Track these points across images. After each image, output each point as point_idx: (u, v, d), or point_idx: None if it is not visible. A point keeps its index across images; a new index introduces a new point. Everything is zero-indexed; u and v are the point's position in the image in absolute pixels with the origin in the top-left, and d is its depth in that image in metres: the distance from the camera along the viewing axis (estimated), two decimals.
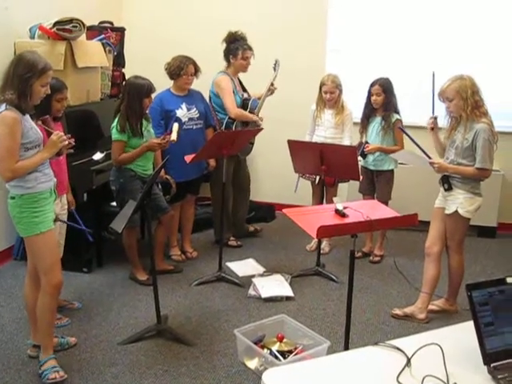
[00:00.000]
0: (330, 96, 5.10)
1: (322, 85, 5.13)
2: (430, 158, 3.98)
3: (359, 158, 4.90)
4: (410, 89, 5.84)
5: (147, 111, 4.51)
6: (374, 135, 5.10)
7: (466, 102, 3.72)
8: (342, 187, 5.67)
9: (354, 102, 5.39)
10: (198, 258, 5.32)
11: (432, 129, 4.06)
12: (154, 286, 3.82)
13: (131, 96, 4.31)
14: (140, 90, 4.30)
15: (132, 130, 4.34)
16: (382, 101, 5.00)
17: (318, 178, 5.17)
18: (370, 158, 5.13)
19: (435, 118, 4.03)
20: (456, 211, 3.90)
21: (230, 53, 5.24)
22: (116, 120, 4.36)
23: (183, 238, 5.41)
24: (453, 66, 5.35)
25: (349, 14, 6.20)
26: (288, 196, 5.88)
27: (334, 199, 3.29)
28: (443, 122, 4.03)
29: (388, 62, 6.06)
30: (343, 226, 2.89)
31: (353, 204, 3.16)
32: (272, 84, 5.35)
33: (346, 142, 5.13)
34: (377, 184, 5.23)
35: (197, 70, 4.94)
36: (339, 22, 6.21)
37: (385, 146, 5.05)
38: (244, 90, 5.48)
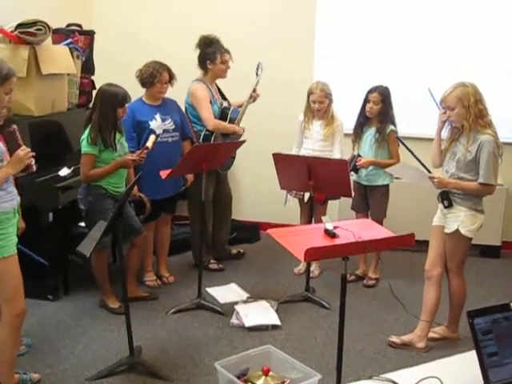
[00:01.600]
0: (318, 106, 5.08)
1: (309, 93, 5.11)
2: (429, 171, 4.00)
3: (351, 172, 4.89)
4: (405, 97, 5.83)
5: (120, 122, 4.47)
6: (367, 148, 5.09)
7: (468, 110, 3.73)
8: (333, 204, 5.65)
9: (345, 112, 5.37)
10: (175, 283, 5.26)
11: (444, 122, 3.95)
12: (127, 315, 3.76)
13: (104, 105, 4.27)
14: (114, 98, 4.27)
15: (104, 143, 4.30)
16: (379, 110, 4.99)
17: (307, 195, 5.12)
18: (363, 172, 5.12)
19: (446, 111, 3.90)
20: (457, 230, 3.90)
21: (206, 58, 5.21)
22: (87, 131, 4.31)
23: (158, 262, 5.36)
24: (452, 74, 5.44)
25: (338, 19, 6.22)
26: (273, 214, 5.87)
27: (323, 218, 3.20)
28: (444, 132, 4.04)
29: (381, 69, 6.08)
30: (333, 248, 2.86)
31: (344, 223, 3.15)
32: (254, 90, 5.31)
33: (337, 156, 5.11)
34: (370, 200, 5.22)
35: (171, 78, 4.93)
36: (328, 28, 6.23)
37: (379, 159, 5.05)
38: (224, 98, 5.47)
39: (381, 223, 4.55)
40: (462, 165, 3.85)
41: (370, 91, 5.00)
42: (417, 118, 5.81)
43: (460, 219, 3.90)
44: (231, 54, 5.27)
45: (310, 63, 6.24)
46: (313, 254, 2.76)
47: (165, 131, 4.95)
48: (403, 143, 4.26)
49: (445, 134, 4.03)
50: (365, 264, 5.39)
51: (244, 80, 5.35)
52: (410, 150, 4.06)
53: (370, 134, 5.09)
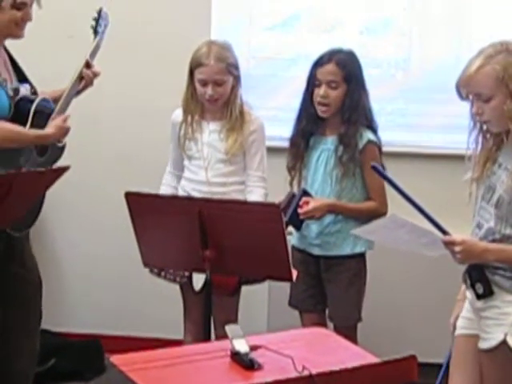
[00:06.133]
0: (212, 91, 3.30)
1: (195, 67, 3.36)
2: (444, 231, 2.63)
3: (288, 228, 3.27)
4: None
5: None
6: (321, 177, 3.46)
7: None
8: (255, 296, 3.87)
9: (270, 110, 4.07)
10: None
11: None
12: None
13: None
14: None
15: None
16: (341, 100, 3.39)
17: (198, 280, 3.30)
18: (313, 228, 3.40)
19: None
20: (503, 342, 2.58)
21: None
22: None
23: None
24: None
25: None
26: (131, 317, 4.17)
27: (229, 328, 2.12)
28: (470, 146, 2.71)
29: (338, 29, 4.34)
30: None
31: (274, 339, 2.34)
32: (88, 64, 3.38)
33: (255, 195, 3.41)
34: (329, 288, 3.51)
35: None
36: None
37: (344, 201, 3.41)
38: (22, 79, 3.52)
39: (351, 335, 3.23)
40: (506, 211, 2.64)
41: (320, 62, 3.40)
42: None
43: (510, 321, 2.62)
44: None
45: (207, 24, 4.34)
46: None
47: None
48: (387, 178, 2.75)
49: (470, 148, 2.72)
50: None
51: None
52: (400, 191, 2.59)
53: (325, 149, 3.48)
